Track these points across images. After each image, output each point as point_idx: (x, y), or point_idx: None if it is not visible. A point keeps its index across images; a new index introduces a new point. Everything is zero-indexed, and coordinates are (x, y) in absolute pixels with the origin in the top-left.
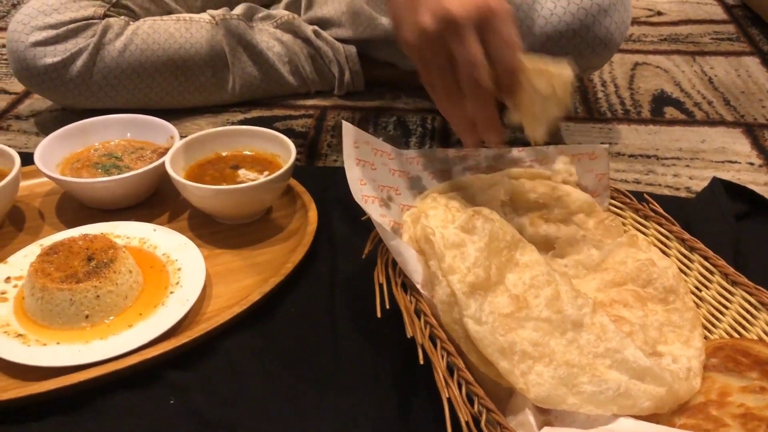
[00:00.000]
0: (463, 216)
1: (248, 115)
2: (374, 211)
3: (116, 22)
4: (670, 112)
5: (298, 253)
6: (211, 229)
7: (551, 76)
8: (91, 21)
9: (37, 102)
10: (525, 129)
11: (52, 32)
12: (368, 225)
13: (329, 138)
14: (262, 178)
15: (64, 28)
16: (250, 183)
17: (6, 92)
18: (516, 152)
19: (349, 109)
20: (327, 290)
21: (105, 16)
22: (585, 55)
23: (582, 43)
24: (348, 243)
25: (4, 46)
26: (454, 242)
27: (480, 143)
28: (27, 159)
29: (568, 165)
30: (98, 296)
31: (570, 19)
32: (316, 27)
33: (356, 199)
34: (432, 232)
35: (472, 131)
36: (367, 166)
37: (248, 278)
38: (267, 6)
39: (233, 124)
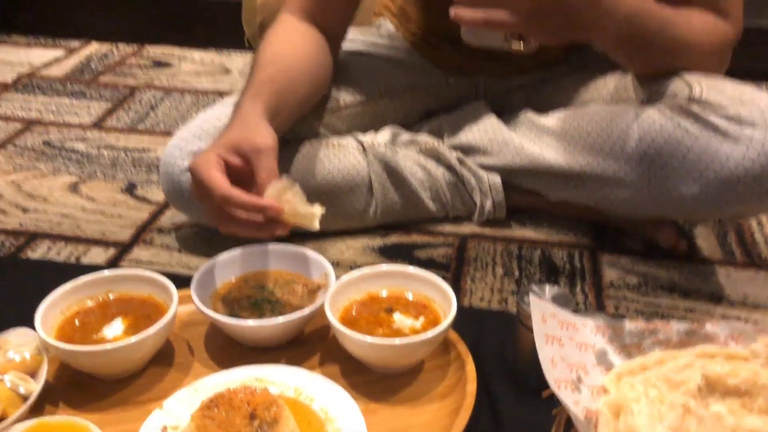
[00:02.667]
0: (672, 414)
1: (387, 241)
2: (568, 398)
3: None
4: None
5: (461, 420)
6: (364, 378)
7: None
8: None
9: (179, 214)
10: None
11: None
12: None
13: (472, 271)
14: (424, 335)
15: None
16: (410, 339)
17: (147, 201)
18: (710, 327)
19: (490, 239)
20: None
21: None
22: (764, 201)
23: (762, 190)
24: (512, 412)
25: (144, 150)
26: None
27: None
28: (172, 281)
29: None
30: None
31: (750, 164)
32: (459, 154)
33: (550, 384)
34: None
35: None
36: (555, 343)
37: None
38: (408, 127)
39: (373, 249)
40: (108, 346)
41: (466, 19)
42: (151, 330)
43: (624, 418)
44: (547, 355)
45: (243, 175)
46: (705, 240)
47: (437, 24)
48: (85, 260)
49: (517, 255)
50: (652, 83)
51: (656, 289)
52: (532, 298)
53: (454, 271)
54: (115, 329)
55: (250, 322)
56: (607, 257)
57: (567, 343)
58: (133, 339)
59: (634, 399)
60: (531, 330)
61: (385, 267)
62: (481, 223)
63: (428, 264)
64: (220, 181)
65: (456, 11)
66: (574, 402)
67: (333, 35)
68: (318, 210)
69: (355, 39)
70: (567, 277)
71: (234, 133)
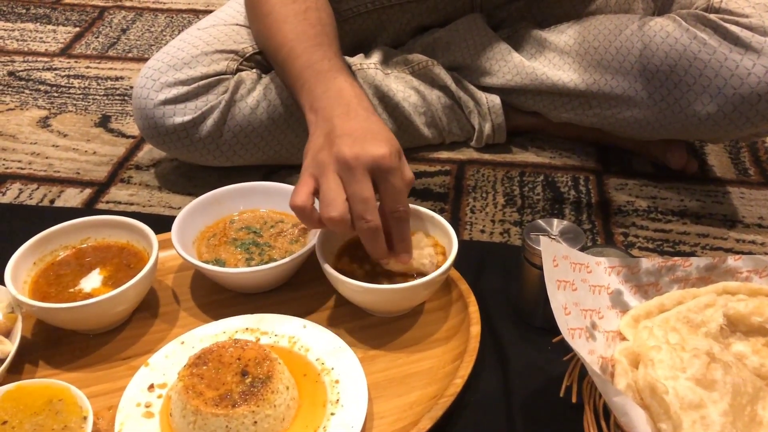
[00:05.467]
0: (696, 363)
1: None
2: (582, 347)
3: (248, 76)
4: None
5: (466, 364)
6: (361, 322)
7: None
8: (222, 76)
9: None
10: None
11: (182, 89)
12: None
13: (472, 201)
14: (425, 278)
15: (195, 85)
16: (410, 283)
17: (123, 135)
18: (732, 261)
19: (489, 165)
20: (503, 414)
21: (237, 70)
22: None
23: None
24: (518, 350)
25: (117, 78)
26: (691, 402)
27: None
28: (153, 223)
29: None
30: (256, 422)
31: None
32: (455, 74)
33: (563, 334)
34: (664, 389)
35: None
36: (568, 288)
37: (411, 392)
38: (396, 46)
39: None
40: (86, 301)
41: None
42: (131, 282)
43: (644, 369)
44: (559, 302)
45: None
46: (716, 158)
47: None
48: (60, 202)
49: (518, 181)
50: None
51: (666, 213)
52: (543, 240)
53: (453, 201)
54: (93, 281)
55: (237, 270)
56: (614, 181)
57: (580, 286)
58: (112, 293)
59: (654, 347)
60: (537, 267)
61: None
62: (479, 148)
63: (425, 194)
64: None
65: None
66: (589, 351)
67: None
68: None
69: None
70: (572, 205)
71: (388, 136)
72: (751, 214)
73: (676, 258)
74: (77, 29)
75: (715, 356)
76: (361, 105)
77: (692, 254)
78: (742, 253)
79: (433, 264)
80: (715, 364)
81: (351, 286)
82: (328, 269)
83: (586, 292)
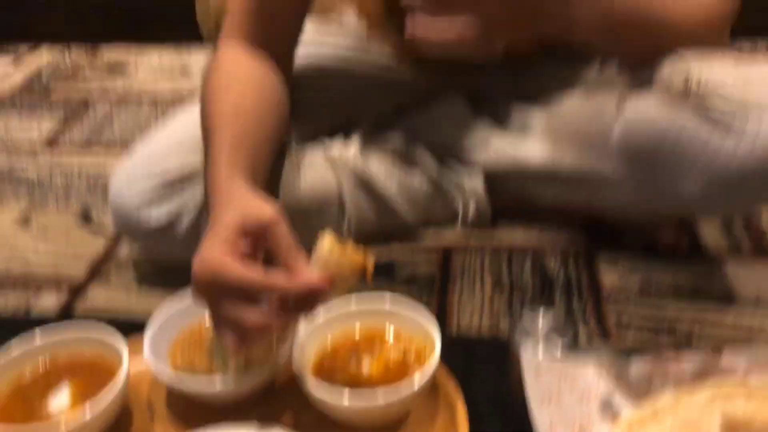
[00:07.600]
0: None
1: None
2: None
3: None
4: None
5: None
6: None
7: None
8: (199, 170)
9: None
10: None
11: (158, 186)
12: None
13: (459, 289)
14: (406, 391)
15: (171, 180)
16: (390, 400)
17: (102, 230)
18: (726, 360)
19: (476, 249)
20: None
21: None
22: None
23: None
24: None
25: (100, 170)
26: None
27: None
28: (130, 328)
29: None
30: None
31: (760, 158)
32: (438, 156)
33: None
34: None
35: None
36: (553, 402)
37: None
38: (381, 124)
39: None
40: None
41: (426, 41)
42: (90, 411)
43: None
44: (544, 419)
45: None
46: (709, 232)
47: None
48: (36, 306)
49: (507, 266)
50: (643, 69)
51: (660, 293)
52: (524, 358)
53: (439, 290)
54: (61, 401)
55: (212, 391)
56: (605, 260)
57: (566, 396)
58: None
59: None
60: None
61: (356, 306)
62: (465, 232)
63: (409, 283)
64: (248, 271)
65: (413, 30)
66: None
67: (282, 55)
68: (370, 262)
69: (315, 41)
70: (562, 288)
71: (228, 216)
72: (748, 291)
73: (667, 357)
74: (61, 121)
75: None
76: (212, 201)
77: (689, 335)
78: (742, 335)
79: (354, 271)
80: None
81: (331, 406)
82: (310, 384)
83: (573, 402)
